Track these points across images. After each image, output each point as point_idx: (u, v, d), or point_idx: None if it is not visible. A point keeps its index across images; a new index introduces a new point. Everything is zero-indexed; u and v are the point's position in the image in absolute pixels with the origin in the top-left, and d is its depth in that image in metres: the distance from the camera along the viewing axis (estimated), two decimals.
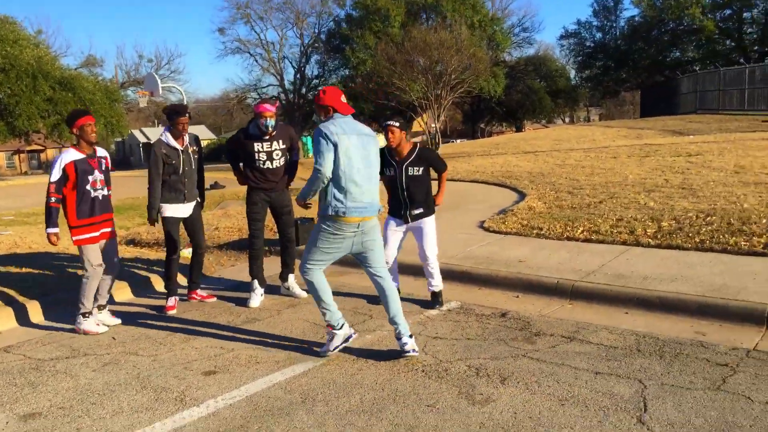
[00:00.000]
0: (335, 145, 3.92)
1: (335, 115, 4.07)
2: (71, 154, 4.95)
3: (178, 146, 5.37)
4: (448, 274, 5.92)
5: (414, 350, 3.97)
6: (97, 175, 5.03)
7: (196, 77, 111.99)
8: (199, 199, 5.68)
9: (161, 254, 7.69)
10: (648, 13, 42.16)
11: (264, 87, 49.59)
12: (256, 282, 5.49)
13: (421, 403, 3.34)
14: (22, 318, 5.39)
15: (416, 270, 5.68)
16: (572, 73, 52.29)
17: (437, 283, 5.23)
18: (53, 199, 4.90)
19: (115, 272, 5.27)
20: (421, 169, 5.08)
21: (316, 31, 47.88)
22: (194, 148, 5.55)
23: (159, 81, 18.97)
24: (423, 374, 3.74)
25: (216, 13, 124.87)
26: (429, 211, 5.17)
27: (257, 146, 5.34)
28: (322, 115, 4.13)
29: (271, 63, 48.54)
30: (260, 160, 5.36)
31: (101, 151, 5.19)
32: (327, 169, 3.93)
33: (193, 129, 5.98)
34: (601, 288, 5.08)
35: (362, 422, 3.18)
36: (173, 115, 5.34)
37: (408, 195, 5.04)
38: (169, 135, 5.36)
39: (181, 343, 4.59)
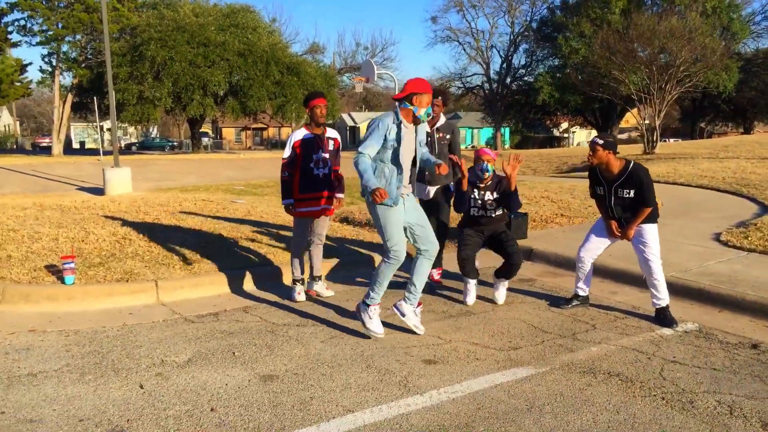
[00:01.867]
0: None
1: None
2: (301, 132, 5.35)
3: (427, 129, 5.47)
4: (681, 291, 5.36)
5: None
6: (321, 155, 5.34)
7: (405, 65, 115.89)
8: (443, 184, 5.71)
9: (373, 234, 8.01)
10: None
11: (469, 76, 49.75)
12: (468, 279, 5.40)
13: None
14: (259, 281, 5.92)
15: (642, 281, 5.18)
16: None
17: (662, 296, 4.75)
18: (286, 174, 5.33)
19: (321, 244, 5.62)
20: (633, 191, 4.68)
21: (528, 18, 46.74)
22: (443, 134, 5.61)
23: (375, 68, 19.83)
24: (663, 402, 3.37)
25: (431, 2, 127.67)
26: (649, 219, 4.75)
27: (473, 193, 5.33)
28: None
29: (478, 52, 48.44)
30: (475, 207, 5.30)
31: (331, 132, 5.49)
32: None
33: None
34: None
35: None
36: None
37: (618, 216, 4.83)
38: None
39: (400, 326, 4.68)
